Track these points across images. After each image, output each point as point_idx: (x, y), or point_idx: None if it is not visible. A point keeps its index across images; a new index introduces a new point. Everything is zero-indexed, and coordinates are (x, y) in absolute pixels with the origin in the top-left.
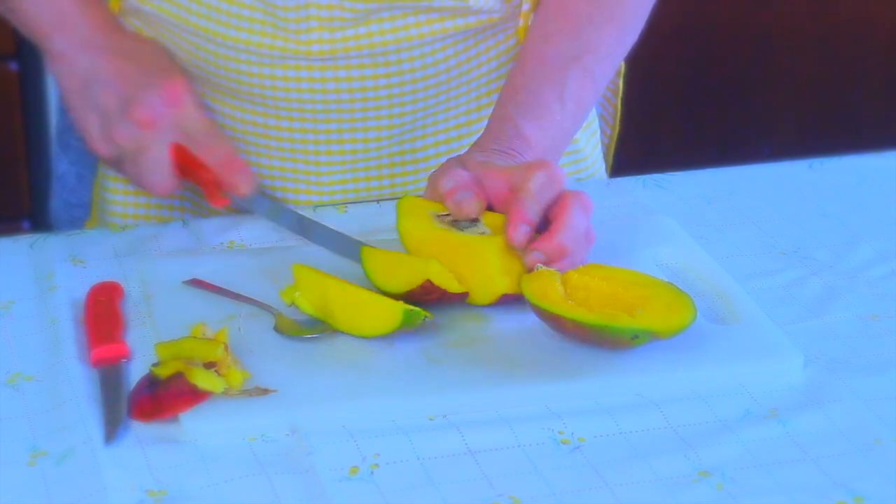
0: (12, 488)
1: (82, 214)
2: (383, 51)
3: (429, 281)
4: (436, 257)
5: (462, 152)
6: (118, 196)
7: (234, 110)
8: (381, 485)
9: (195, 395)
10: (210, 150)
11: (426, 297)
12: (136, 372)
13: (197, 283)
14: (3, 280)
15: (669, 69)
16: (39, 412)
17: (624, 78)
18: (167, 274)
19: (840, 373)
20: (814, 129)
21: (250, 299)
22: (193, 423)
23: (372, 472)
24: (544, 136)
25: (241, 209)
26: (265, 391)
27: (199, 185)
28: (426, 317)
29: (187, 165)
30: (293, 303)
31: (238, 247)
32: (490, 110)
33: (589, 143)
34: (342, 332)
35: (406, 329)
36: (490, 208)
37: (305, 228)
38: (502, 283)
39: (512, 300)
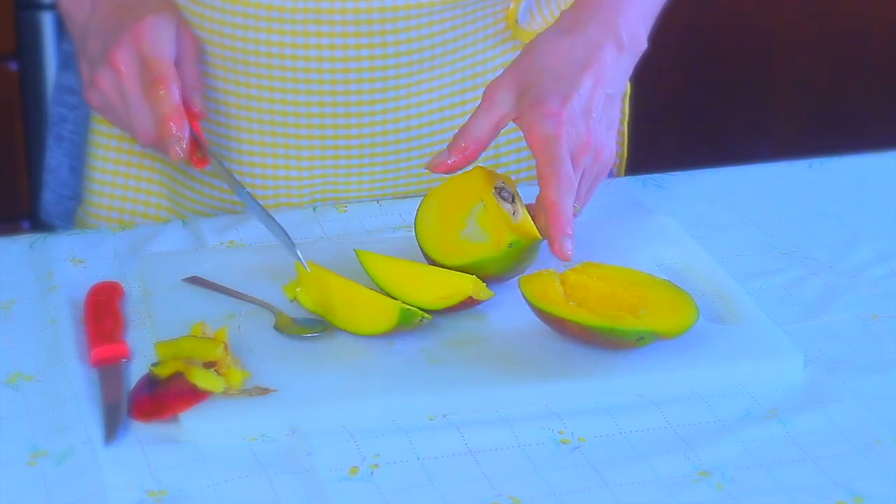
0: (12, 488)
1: (76, 207)
2: (367, 18)
3: (470, 297)
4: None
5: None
6: (105, 188)
7: (224, 82)
8: (381, 485)
9: (195, 395)
10: (154, 100)
11: (459, 308)
12: (136, 372)
13: (197, 282)
14: (3, 280)
15: (669, 69)
16: (39, 412)
17: (630, 100)
18: (167, 273)
19: (840, 373)
20: (814, 129)
21: (250, 298)
22: (193, 422)
23: (372, 472)
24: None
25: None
26: (265, 391)
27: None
28: (423, 317)
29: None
30: (295, 298)
31: (238, 246)
32: (475, 93)
33: None
34: (342, 331)
35: (404, 328)
36: None
37: (260, 217)
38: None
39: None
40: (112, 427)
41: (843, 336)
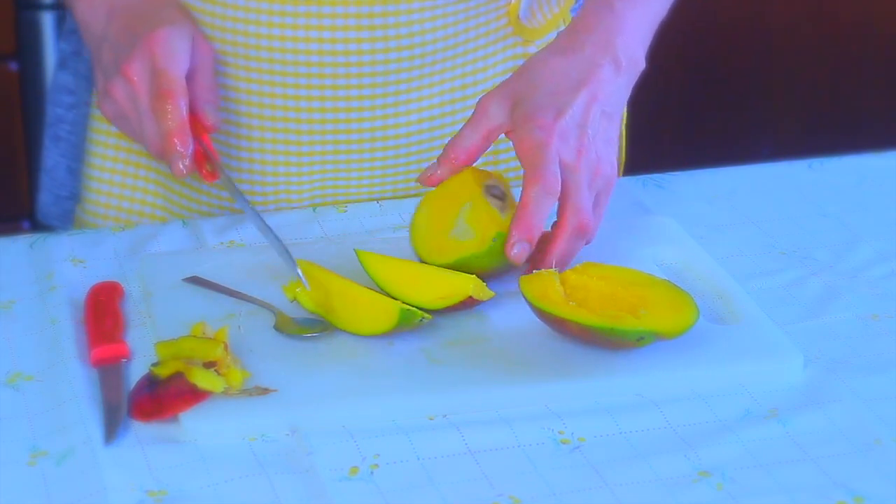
0: (12, 488)
1: (73, 208)
2: (369, 11)
3: (470, 297)
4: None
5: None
6: (104, 186)
7: (224, 77)
8: (381, 485)
9: (195, 395)
10: (159, 115)
11: (459, 308)
12: (136, 372)
13: (197, 282)
14: (3, 280)
15: (669, 69)
16: (39, 412)
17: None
18: (167, 273)
19: (840, 373)
20: (814, 129)
21: (250, 298)
22: (193, 422)
23: (372, 472)
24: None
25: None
26: (265, 391)
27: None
28: (423, 317)
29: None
30: (295, 298)
31: (238, 246)
32: (475, 89)
33: None
34: (342, 331)
35: (404, 328)
36: None
37: (264, 232)
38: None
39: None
40: (112, 427)
41: (843, 336)
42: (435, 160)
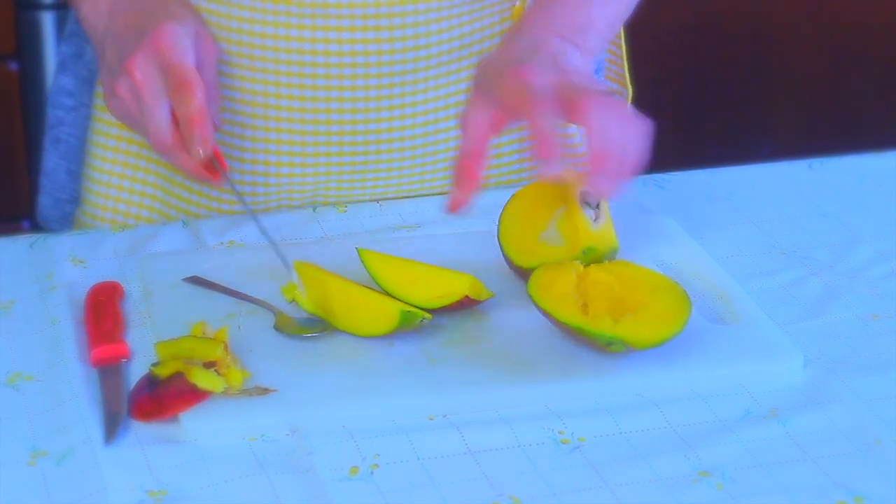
0: (12, 488)
1: (73, 211)
2: (375, 12)
3: (467, 297)
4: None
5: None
6: (102, 188)
7: (229, 78)
8: (381, 485)
9: (195, 395)
10: (180, 103)
11: (457, 308)
12: (136, 372)
13: (197, 282)
14: (3, 280)
15: (669, 69)
16: (39, 412)
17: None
18: (167, 273)
19: (840, 373)
20: (814, 129)
21: (250, 298)
22: (193, 422)
23: (372, 472)
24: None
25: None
26: (265, 391)
27: None
28: (424, 318)
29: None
30: (294, 300)
31: (238, 246)
32: None
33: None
34: (342, 331)
35: (405, 329)
36: None
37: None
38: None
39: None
40: (112, 427)
41: (843, 336)
42: (453, 188)
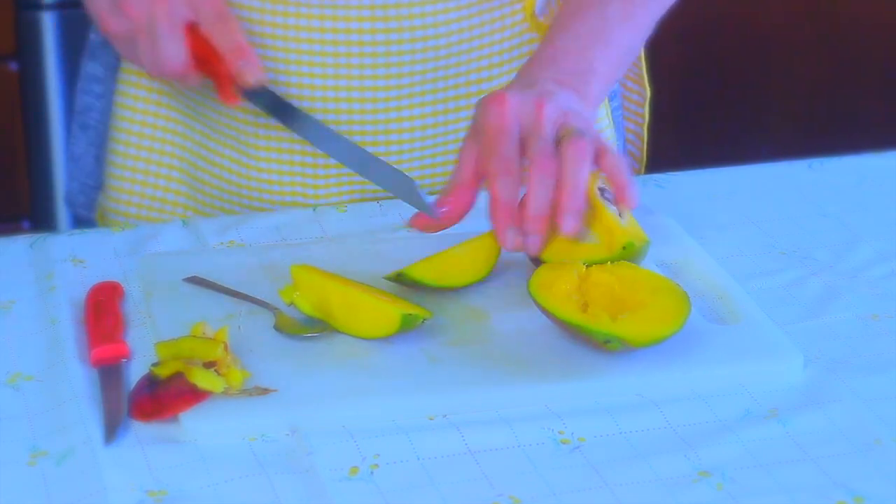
0: (12, 488)
1: (98, 197)
2: (383, 3)
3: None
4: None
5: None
6: (126, 172)
7: None
8: (381, 485)
9: (195, 395)
10: (221, 34)
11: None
12: (136, 372)
13: (197, 282)
14: (3, 280)
15: (670, 70)
16: (39, 412)
17: (650, 105)
18: (167, 272)
19: (840, 373)
20: (814, 129)
21: (250, 298)
22: (193, 423)
23: (372, 472)
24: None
25: (253, 106)
26: (265, 391)
27: (210, 76)
28: (425, 318)
29: (200, 53)
30: (292, 303)
31: (238, 246)
32: (490, 84)
33: None
34: (342, 332)
35: (405, 331)
36: None
37: (318, 136)
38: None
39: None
40: (112, 427)
41: (843, 336)
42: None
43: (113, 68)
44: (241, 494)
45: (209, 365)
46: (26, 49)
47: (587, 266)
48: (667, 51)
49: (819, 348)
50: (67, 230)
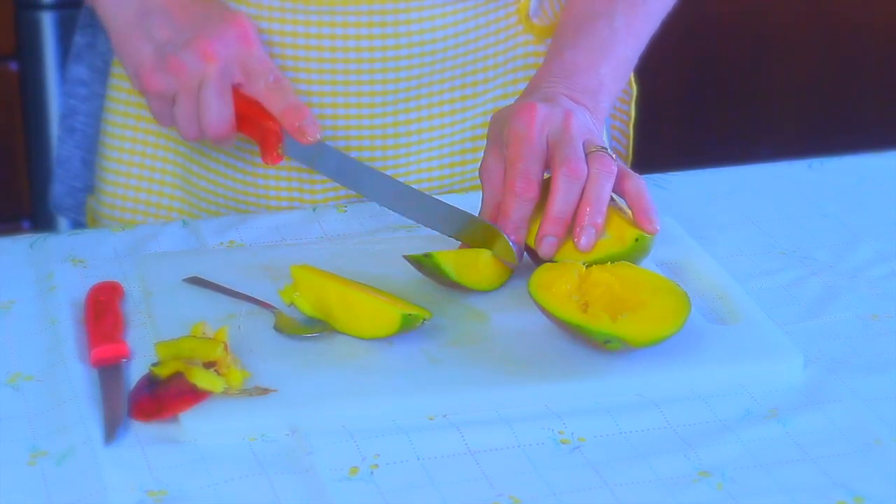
0: (12, 488)
1: (86, 199)
2: (381, 9)
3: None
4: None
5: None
6: (120, 178)
7: None
8: (381, 485)
9: (195, 395)
10: (274, 96)
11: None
12: (136, 372)
13: (197, 282)
14: (3, 280)
15: (669, 69)
16: (39, 412)
17: (636, 104)
18: (167, 272)
19: (840, 373)
20: (814, 129)
21: (250, 298)
22: (193, 423)
23: (372, 472)
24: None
25: (301, 163)
26: (265, 391)
27: (254, 137)
28: (425, 318)
29: (245, 113)
30: (292, 303)
31: (238, 246)
32: (485, 86)
33: None
34: (342, 332)
35: (405, 331)
36: None
37: (371, 187)
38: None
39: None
40: (112, 427)
41: (843, 336)
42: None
43: (100, 71)
44: (241, 494)
45: (209, 365)
46: (26, 49)
47: (587, 266)
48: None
49: (819, 348)
50: (67, 230)
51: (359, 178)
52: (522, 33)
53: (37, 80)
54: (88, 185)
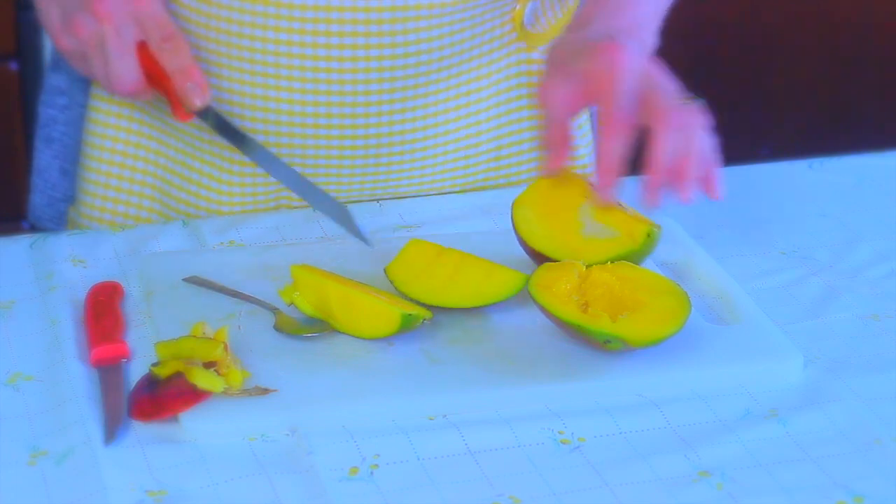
0: (12, 488)
1: (66, 209)
2: (378, 17)
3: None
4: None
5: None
6: (99, 189)
7: (229, 81)
8: (381, 485)
9: (195, 395)
10: (168, 55)
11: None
12: (136, 372)
13: (197, 282)
14: (3, 280)
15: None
16: (39, 412)
17: None
18: (167, 272)
19: (840, 373)
20: (814, 129)
21: (250, 297)
22: (193, 423)
23: (372, 472)
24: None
25: (202, 123)
26: (265, 391)
27: (163, 94)
28: (425, 318)
29: (151, 71)
30: (292, 303)
31: (238, 246)
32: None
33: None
34: (342, 332)
35: (405, 331)
36: None
37: (263, 159)
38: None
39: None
40: (112, 427)
41: (843, 336)
42: (541, 154)
43: (80, 80)
44: (241, 494)
45: (209, 365)
46: (26, 49)
47: (587, 267)
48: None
49: (819, 348)
50: (67, 230)
51: (252, 151)
52: (516, 41)
53: (37, 80)
54: (68, 196)
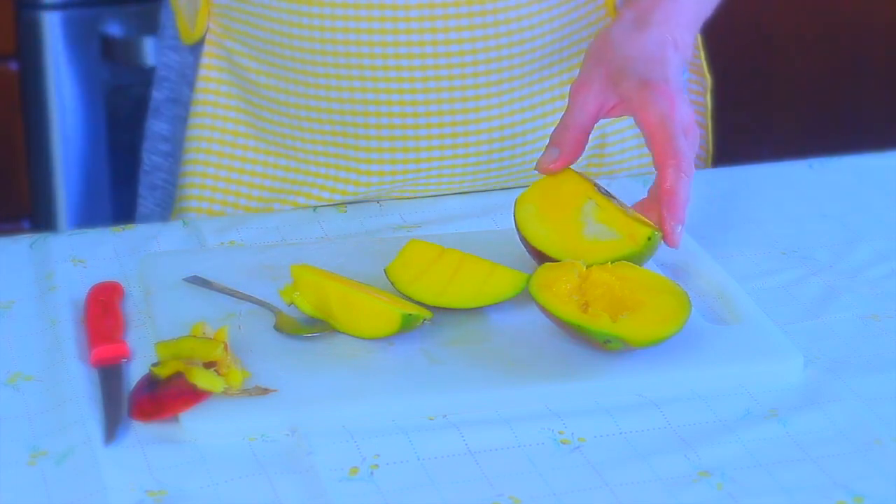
0: (12, 488)
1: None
2: (481, 10)
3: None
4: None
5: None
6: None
7: (256, 74)
8: (381, 485)
9: (195, 395)
10: None
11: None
12: (136, 372)
13: (197, 282)
14: (3, 280)
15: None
16: (39, 412)
17: (711, 94)
18: (167, 272)
19: (840, 373)
20: (814, 129)
21: (250, 297)
22: (193, 423)
23: (372, 472)
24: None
25: None
26: (265, 391)
27: None
28: (425, 319)
29: None
30: (292, 302)
31: (238, 246)
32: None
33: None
34: (342, 332)
35: (405, 331)
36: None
37: None
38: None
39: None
40: (112, 427)
41: (843, 336)
42: (547, 148)
43: (182, 121)
44: (241, 494)
45: (209, 365)
46: (26, 49)
47: (588, 266)
48: None
49: (819, 348)
50: (67, 230)
51: None
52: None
53: (37, 80)
54: None
